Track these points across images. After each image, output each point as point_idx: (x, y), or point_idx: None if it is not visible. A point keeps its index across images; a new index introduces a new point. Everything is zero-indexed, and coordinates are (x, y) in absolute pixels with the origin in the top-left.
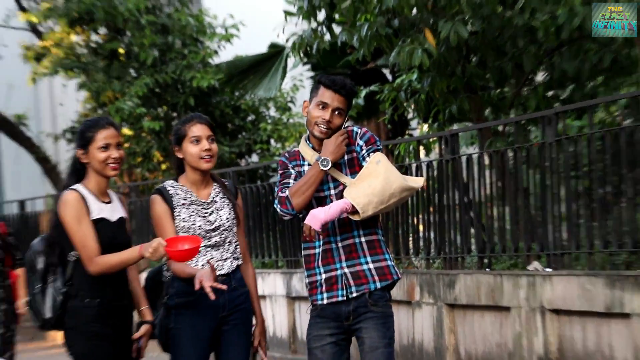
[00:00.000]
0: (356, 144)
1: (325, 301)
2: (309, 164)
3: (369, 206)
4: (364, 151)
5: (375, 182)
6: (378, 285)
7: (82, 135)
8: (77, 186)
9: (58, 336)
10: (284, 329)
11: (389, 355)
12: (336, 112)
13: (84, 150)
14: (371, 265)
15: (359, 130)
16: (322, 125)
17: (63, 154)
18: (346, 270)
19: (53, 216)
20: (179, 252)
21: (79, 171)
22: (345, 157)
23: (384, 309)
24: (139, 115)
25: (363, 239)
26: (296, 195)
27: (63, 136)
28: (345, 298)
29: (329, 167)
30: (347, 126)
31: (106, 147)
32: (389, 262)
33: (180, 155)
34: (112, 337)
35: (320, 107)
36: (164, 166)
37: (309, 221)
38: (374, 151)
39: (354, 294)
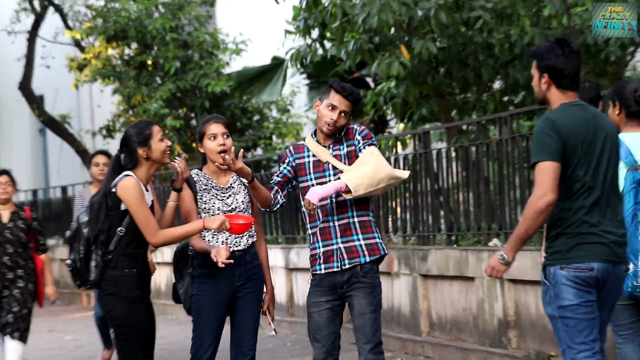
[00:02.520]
0: (355, 139)
1: (323, 271)
2: (313, 155)
3: (360, 187)
4: (360, 144)
5: (368, 168)
6: (367, 259)
7: (139, 135)
8: (131, 173)
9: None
10: (282, 296)
11: (375, 320)
12: (342, 114)
13: (144, 146)
14: (362, 242)
15: (359, 128)
16: (330, 124)
17: (99, 147)
18: (341, 245)
19: (104, 198)
20: (238, 225)
21: (121, 168)
22: (346, 150)
23: (373, 280)
24: (163, 115)
25: (356, 219)
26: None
27: (100, 132)
28: (339, 269)
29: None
30: (351, 124)
31: (162, 139)
32: (377, 240)
33: (202, 150)
34: (147, 300)
35: (330, 108)
36: None
37: (308, 196)
38: (369, 145)
39: (347, 266)
